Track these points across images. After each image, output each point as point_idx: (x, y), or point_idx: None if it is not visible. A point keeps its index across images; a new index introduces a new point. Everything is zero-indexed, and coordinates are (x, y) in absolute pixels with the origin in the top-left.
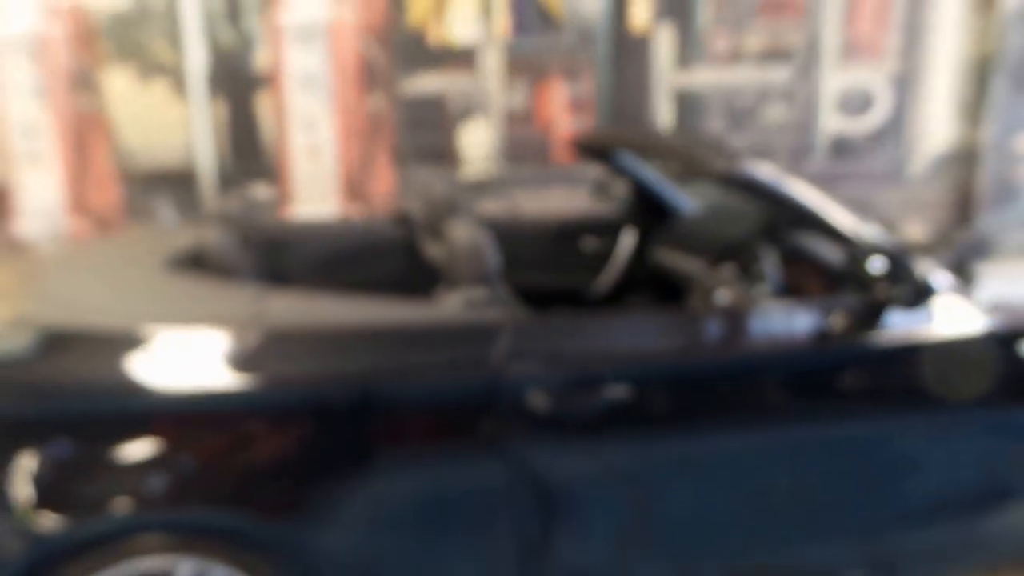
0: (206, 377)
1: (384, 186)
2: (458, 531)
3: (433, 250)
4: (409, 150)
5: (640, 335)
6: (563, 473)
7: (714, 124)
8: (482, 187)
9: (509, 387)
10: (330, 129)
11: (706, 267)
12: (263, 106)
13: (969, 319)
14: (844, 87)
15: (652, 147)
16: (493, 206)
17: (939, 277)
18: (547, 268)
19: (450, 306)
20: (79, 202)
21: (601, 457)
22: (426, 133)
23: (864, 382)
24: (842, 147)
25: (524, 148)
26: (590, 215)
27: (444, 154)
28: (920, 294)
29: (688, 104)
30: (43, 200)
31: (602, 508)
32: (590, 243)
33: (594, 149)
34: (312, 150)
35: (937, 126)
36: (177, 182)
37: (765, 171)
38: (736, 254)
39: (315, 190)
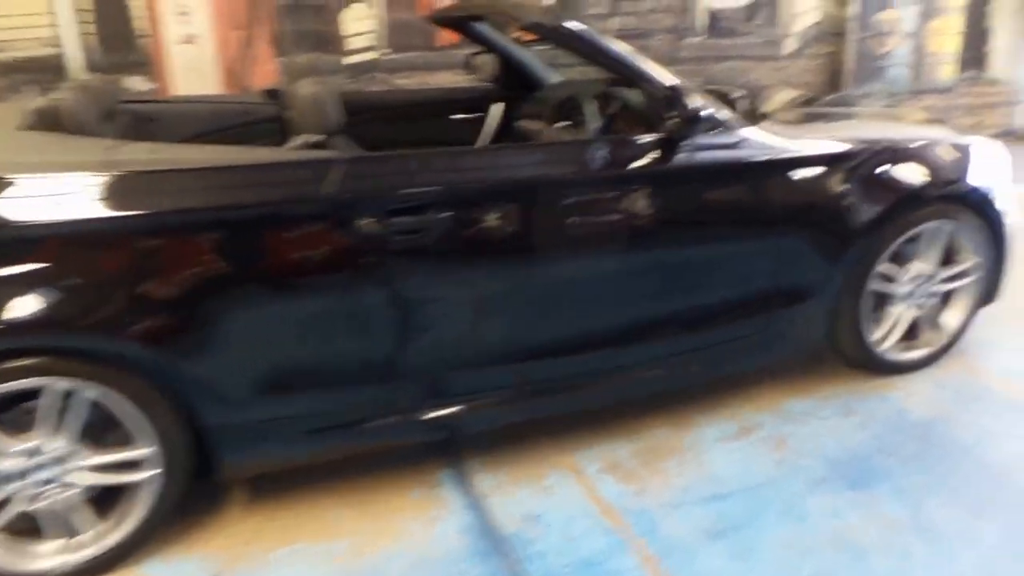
0: (64, 211)
1: (267, 75)
2: (319, 325)
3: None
4: (290, 37)
5: (461, 169)
6: (393, 282)
7: (595, 6)
8: (367, 71)
9: (341, 213)
10: (206, 17)
11: (546, 124)
12: None
13: (755, 150)
14: None
15: (481, 8)
16: (376, 87)
17: (720, 113)
18: (423, 141)
19: (287, 148)
20: None
21: (427, 269)
22: (307, 19)
23: (652, 200)
24: (720, 26)
25: (408, 33)
26: (464, 90)
27: (327, 40)
28: (691, 123)
29: None
30: None
31: (433, 307)
32: (461, 116)
33: (449, 21)
34: (188, 39)
35: (807, 4)
36: (43, 75)
37: (574, 24)
38: (568, 110)
39: (195, 80)
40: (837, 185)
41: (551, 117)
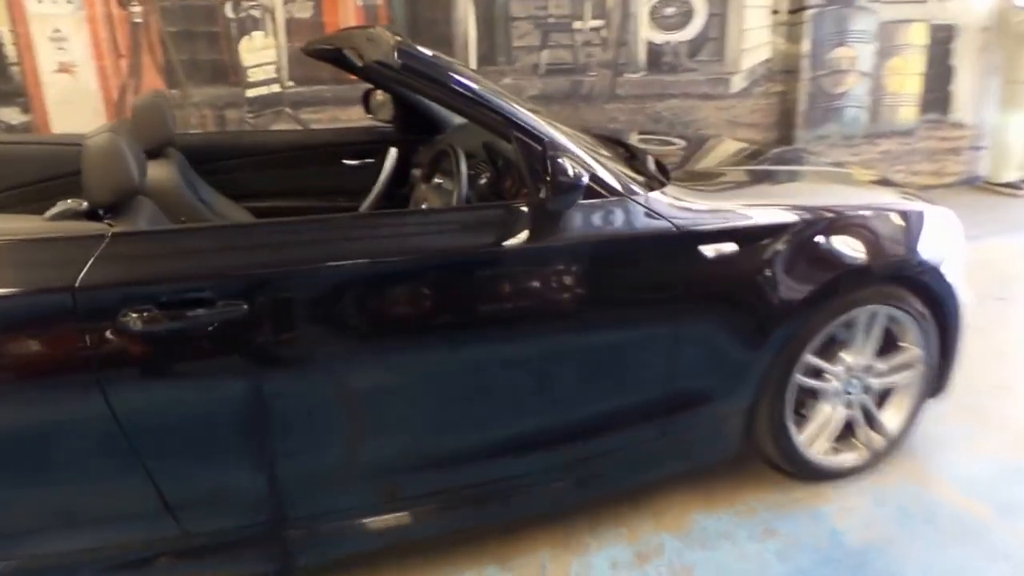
0: None
1: None
2: (60, 464)
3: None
4: (183, 67)
5: (264, 247)
6: (164, 396)
7: (524, 37)
8: (271, 105)
9: (98, 305)
10: (84, 43)
11: (423, 180)
12: None
13: (656, 220)
14: None
15: (339, 41)
16: (279, 127)
17: (614, 177)
18: (315, 189)
19: (41, 219)
20: None
21: (209, 378)
22: (201, 48)
23: (520, 283)
24: (662, 62)
25: (315, 64)
26: (362, 131)
27: (225, 71)
28: (566, 192)
29: (493, 15)
30: None
31: (237, 419)
32: (354, 162)
33: (321, 55)
34: (65, 67)
35: (756, 40)
36: None
37: (431, 64)
38: (440, 163)
39: (73, 113)
40: (756, 262)
41: (427, 172)
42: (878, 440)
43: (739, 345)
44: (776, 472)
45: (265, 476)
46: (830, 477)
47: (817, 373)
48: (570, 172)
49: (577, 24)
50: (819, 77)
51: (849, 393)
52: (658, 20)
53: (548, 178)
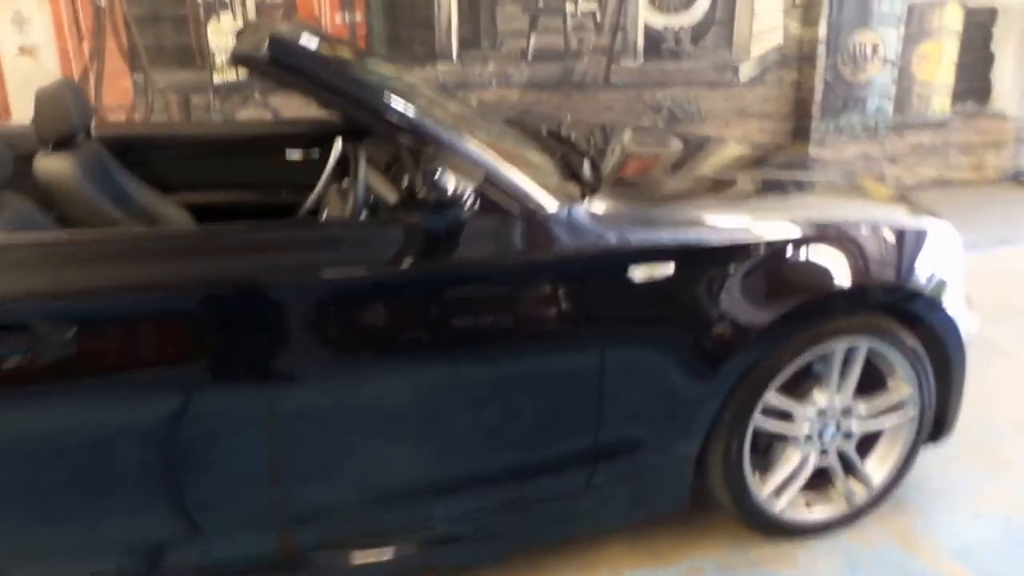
0: None
1: (122, 93)
2: None
3: (45, 163)
4: (149, 51)
5: (101, 262)
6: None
7: (511, 21)
8: (238, 91)
9: None
10: (46, 26)
11: (336, 185)
12: None
13: (579, 238)
14: None
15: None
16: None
17: (523, 186)
18: (259, 183)
19: None
20: None
21: (20, 413)
22: (167, 32)
23: (399, 311)
24: (663, 48)
25: None
26: (311, 123)
27: (191, 55)
28: (437, 209)
29: None
30: None
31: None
32: (297, 154)
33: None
34: (26, 50)
35: (767, 23)
36: None
37: (305, 57)
38: (347, 165)
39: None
40: (699, 285)
41: (337, 175)
42: (860, 492)
43: (679, 382)
44: (737, 524)
45: (93, 526)
46: (799, 534)
47: (785, 415)
48: (447, 187)
49: (569, 7)
50: (837, 64)
51: (824, 438)
52: (658, 3)
53: (422, 192)
